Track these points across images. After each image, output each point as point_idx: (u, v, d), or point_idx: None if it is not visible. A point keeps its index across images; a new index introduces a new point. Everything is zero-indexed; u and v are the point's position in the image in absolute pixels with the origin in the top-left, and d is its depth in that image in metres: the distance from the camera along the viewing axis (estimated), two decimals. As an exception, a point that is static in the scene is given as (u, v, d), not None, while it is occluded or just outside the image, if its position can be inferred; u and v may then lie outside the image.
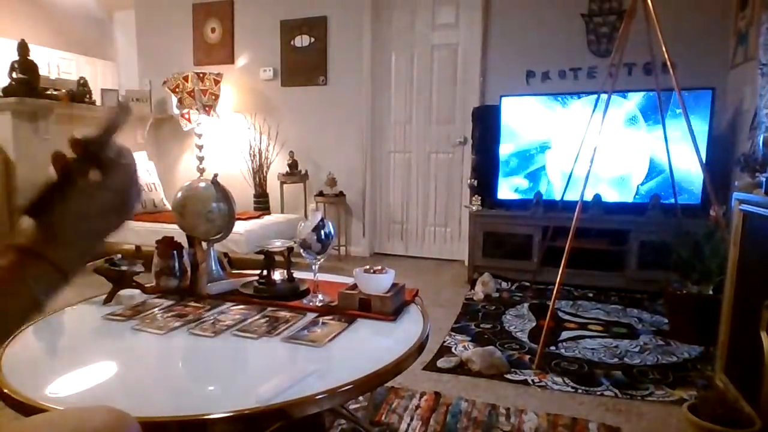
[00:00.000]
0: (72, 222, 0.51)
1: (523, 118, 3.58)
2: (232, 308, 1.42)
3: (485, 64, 4.02)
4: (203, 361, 1.14)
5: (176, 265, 1.54)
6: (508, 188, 3.67)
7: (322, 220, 1.39)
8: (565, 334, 2.54)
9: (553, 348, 2.36)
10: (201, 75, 4.38)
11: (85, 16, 6.82)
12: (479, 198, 3.66)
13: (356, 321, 1.33)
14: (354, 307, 1.38)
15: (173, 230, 1.74)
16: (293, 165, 4.38)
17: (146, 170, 4.18)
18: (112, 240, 0.53)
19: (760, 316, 1.45)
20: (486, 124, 3.74)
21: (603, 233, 3.28)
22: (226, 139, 4.79)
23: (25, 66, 3.79)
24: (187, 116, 4.50)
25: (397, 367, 1.09)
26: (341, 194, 4.38)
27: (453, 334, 2.56)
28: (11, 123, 3.67)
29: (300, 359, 1.13)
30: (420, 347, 1.19)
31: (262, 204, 4.47)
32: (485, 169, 3.74)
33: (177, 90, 4.44)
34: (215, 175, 1.55)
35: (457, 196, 4.27)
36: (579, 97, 3.44)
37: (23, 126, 3.75)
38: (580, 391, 1.96)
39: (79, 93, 4.19)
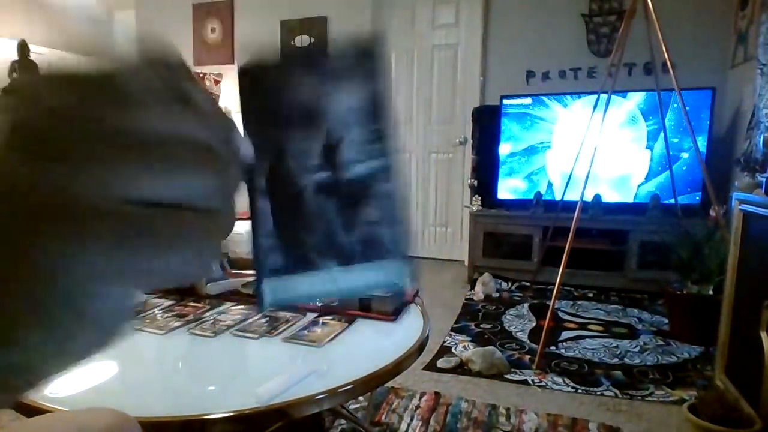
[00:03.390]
0: None
1: (523, 118, 3.58)
2: (232, 308, 1.42)
3: (485, 64, 4.01)
4: (203, 361, 1.14)
5: (176, 265, 1.54)
6: (508, 188, 3.67)
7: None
8: (565, 334, 2.54)
9: (553, 348, 2.35)
10: (201, 75, 4.38)
11: (85, 16, 6.82)
12: (479, 198, 3.66)
13: (356, 321, 1.33)
14: (354, 307, 1.38)
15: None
16: (293, 165, 4.38)
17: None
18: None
19: (760, 316, 1.45)
20: (486, 125, 3.73)
21: (603, 233, 3.28)
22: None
23: (25, 66, 3.79)
24: (187, 116, 4.49)
25: (397, 367, 1.09)
26: (341, 194, 4.37)
27: (453, 334, 2.56)
28: (11, 123, 3.67)
29: (300, 359, 1.13)
30: (420, 347, 1.19)
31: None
32: (485, 169, 3.74)
33: (177, 90, 4.44)
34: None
35: (457, 196, 4.26)
36: (579, 97, 3.44)
37: (23, 126, 3.75)
38: (580, 391, 1.95)
39: (79, 93, 4.19)
